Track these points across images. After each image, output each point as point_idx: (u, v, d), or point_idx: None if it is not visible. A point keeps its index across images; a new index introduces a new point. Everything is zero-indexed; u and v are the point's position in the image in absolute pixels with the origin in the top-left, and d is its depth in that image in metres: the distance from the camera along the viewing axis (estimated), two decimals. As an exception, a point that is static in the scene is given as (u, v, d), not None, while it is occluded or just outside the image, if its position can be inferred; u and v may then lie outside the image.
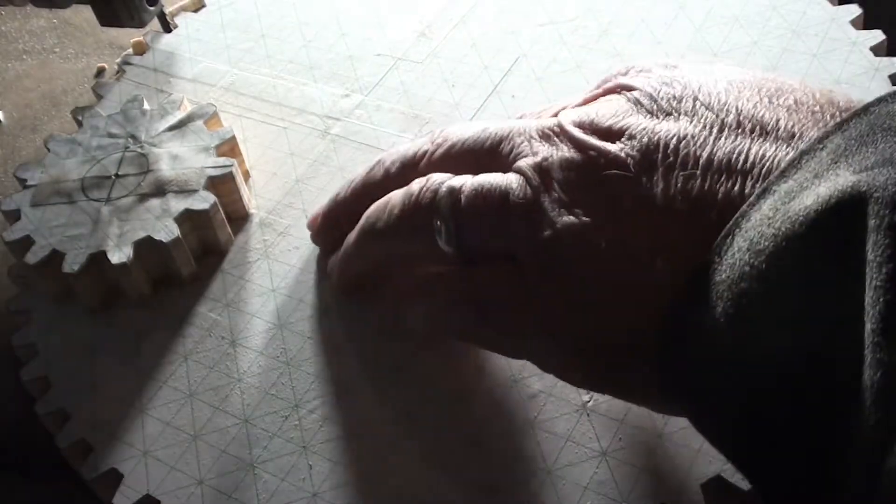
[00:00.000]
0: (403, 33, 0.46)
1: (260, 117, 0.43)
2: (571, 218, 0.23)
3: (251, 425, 0.31)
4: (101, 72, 0.52)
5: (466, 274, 0.27)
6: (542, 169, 0.25)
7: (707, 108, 0.23)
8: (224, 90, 0.45)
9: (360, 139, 0.41)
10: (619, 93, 0.26)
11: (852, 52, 0.39)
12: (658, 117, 0.24)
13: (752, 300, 0.19)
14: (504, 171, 0.26)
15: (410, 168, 0.30)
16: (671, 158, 0.23)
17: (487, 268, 0.26)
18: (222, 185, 0.37)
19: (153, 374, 0.33)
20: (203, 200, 0.36)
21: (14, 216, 0.37)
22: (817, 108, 0.22)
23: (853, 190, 0.17)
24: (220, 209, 0.37)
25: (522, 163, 0.25)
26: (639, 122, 0.24)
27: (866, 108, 0.19)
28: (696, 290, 0.20)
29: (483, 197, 0.26)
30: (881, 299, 0.16)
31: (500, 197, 0.25)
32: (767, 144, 0.21)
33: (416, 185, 0.28)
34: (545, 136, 0.26)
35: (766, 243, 0.19)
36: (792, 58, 0.39)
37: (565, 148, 0.25)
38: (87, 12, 0.46)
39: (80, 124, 0.42)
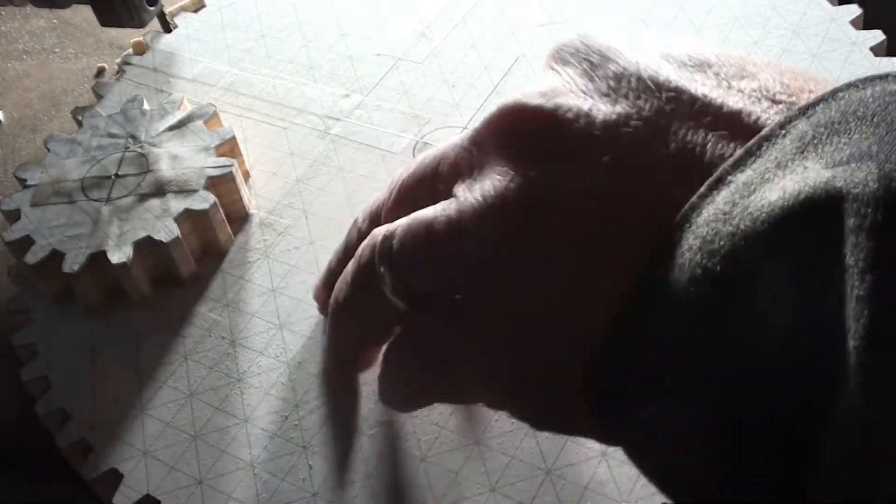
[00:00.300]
0: (403, 33, 0.46)
1: (260, 117, 0.43)
2: (490, 239, 0.21)
3: (251, 425, 0.31)
4: (101, 72, 0.52)
5: (405, 332, 0.25)
6: (471, 187, 0.22)
7: (652, 94, 0.20)
8: (224, 90, 0.45)
9: (360, 139, 0.41)
10: (557, 67, 0.22)
11: (852, 52, 0.39)
12: (593, 99, 0.20)
13: (704, 309, 0.16)
14: (447, 197, 0.23)
15: (376, 223, 0.27)
16: (606, 157, 0.19)
17: (421, 316, 0.24)
18: (222, 185, 0.37)
19: (153, 374, 0.33)
20: (203, 200, 0.36)
21: (14, 216, 0.37)
22: (784, 96, 0.19)
23: (827, 186, 0.15)
24: (220, 209, 0.37)
25: (456, 187, 0.23)
26: (567, 104, 0.20)
27: (834, 93, 0.17)
28: (638, 297, 0.18)
29: (412, 235, 0.23)
30: (865, 311, 0.14)
31: (424, 230, 0.22)
32: (724, 142, 0.18)
33: (361, 247, 0.26)
34: (476, 143, 0.23)
35: (722, 242, 0.16)
36: (792, 58, 0.39)
37: (491, 154, 0.22)
38: (87, 12, 0.46)
39: (80, 124, 0.42)
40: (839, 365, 0.14)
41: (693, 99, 0.19)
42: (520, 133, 0.21)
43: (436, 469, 0.29)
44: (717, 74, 0.20)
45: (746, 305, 0.16)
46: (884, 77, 0.17)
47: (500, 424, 0.30)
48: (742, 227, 0.16)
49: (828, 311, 0.14)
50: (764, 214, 0.16)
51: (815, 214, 0.15)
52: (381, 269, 0.24)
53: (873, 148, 0.15)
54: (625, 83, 0.20)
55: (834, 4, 0.42)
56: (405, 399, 0.28)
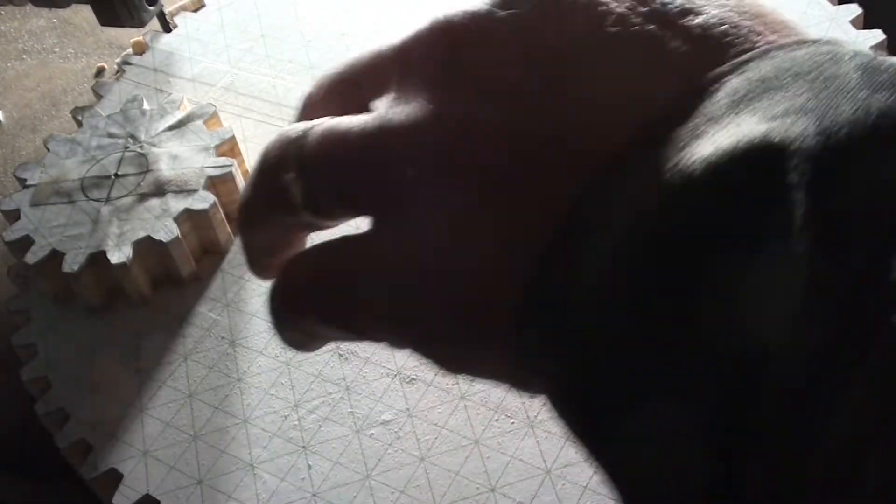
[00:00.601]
0: (403, 33, 0.46)
1: (260, 117, 0.43)
2: (413, 161, 0.19)
3: (251, 425, 0.31)
4: (100, 72, 0.52)
5: (318, 249, 0.23)
6: (393, 105, 0.20)
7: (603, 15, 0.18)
8: (224, 90, 0.45)
9: (359, 139, 0.41)
10: None
11: (852, 52, 0.39)
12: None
13: (634, 274, 0.16)
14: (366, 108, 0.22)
15: (304, 117, 0.26)
16: (541, 90, 0.18)
17: (343, 241, 0.22)
18: (222, 184, 0.37)
19: (153, 374, 0.33)
20: (202, 200, 0.36)
21: (14, 216, 0.37)
22: (733, 37, 0.18)
23: (764, 140, 0.14)
24: (220, 209, 0.37)
25: (377, 101, 0.21)
26: (498, 20, 0.19)
27: (766, 53, 0.16)
28: (563, 251, 0.17)
29: (330, 142, 0.21)
30: (804, 269, 0.13)
31: (341, 138, 0.21)
32: (664, 83, 0.17)
33: (267, 146, 0.23)
34: (401, 57, 0.21)
35: (653, 200, 0.15)
36: (792, 57, 0.39)
37: (417, 73, 0.20)
38: (86, 12, 0.46)
39: (79, 124, 0.42)
40: (774, 325, 0.13)
41: (645, 33, 0.18)
42: (448, 56, 0.20)
43: (436, 469, 0.29)
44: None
45: (680, 272, 0.15)
46: (814, 41, 0.17)
47: (500, 424, 0.30)
48: (672, 182, 0.15)
49: (767, 269, 0.14)
50: (697, 170, 0.15)
51: (751, 169, 0.14)
52: (290, 174, 0.22)
53: (810, 103, 0.15)
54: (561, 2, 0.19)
55: (834, 4, 0.42)
56: (306, 330, 0.24)
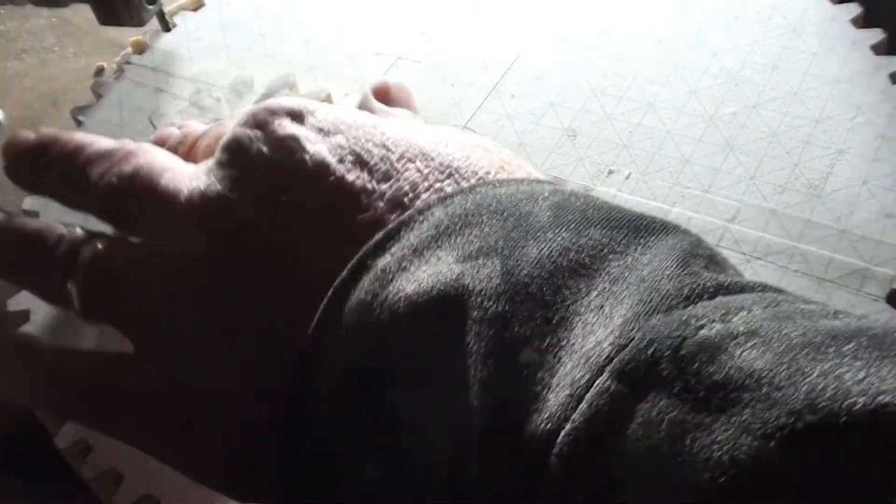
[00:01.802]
0: (403, 33, 0.46)
1: (260, 117, 0.43)
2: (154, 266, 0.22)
3: (251, 425, 0.31)
4: (100, 71, 0.52)
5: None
6: None
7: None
8: (224, 90, 0.45)
9: (359, 138, 0.41)
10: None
11: (853, 51, 0.39)
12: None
13: (353, 406, 0.17)
14: None
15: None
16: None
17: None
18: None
19: (153, 373, 0.33)
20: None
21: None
22: (448, 183, 0.19)
23: (457, 283, 0.16)
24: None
25: None
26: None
27: (472, 188, 0.18)
28: (303, 381, 0.18)
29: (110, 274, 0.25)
30: (488, 393, 0.15)
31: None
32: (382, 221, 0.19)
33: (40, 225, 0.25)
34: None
35: (367, 336, 0.17)
36: (792, 56, 0.39)
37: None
38: (86, 11, 0.46)
39: (79, 124, 0.42)
40: (467, 446, 0.15)
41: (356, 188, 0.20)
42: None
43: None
44: (374, 168, 0.20)
45: (390, 397, 0.17)
46: (520, 180, 0.19)
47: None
48: (382, 318, 0.16)
49: (457, 399, 0.15)
50: (402, 309, 0.16)
51: (446, 309, 0.16)
52: (66, 279, 0.25)
53: (500, 243, 0.16)
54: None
55: (834, 3, 0.42)
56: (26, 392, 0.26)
